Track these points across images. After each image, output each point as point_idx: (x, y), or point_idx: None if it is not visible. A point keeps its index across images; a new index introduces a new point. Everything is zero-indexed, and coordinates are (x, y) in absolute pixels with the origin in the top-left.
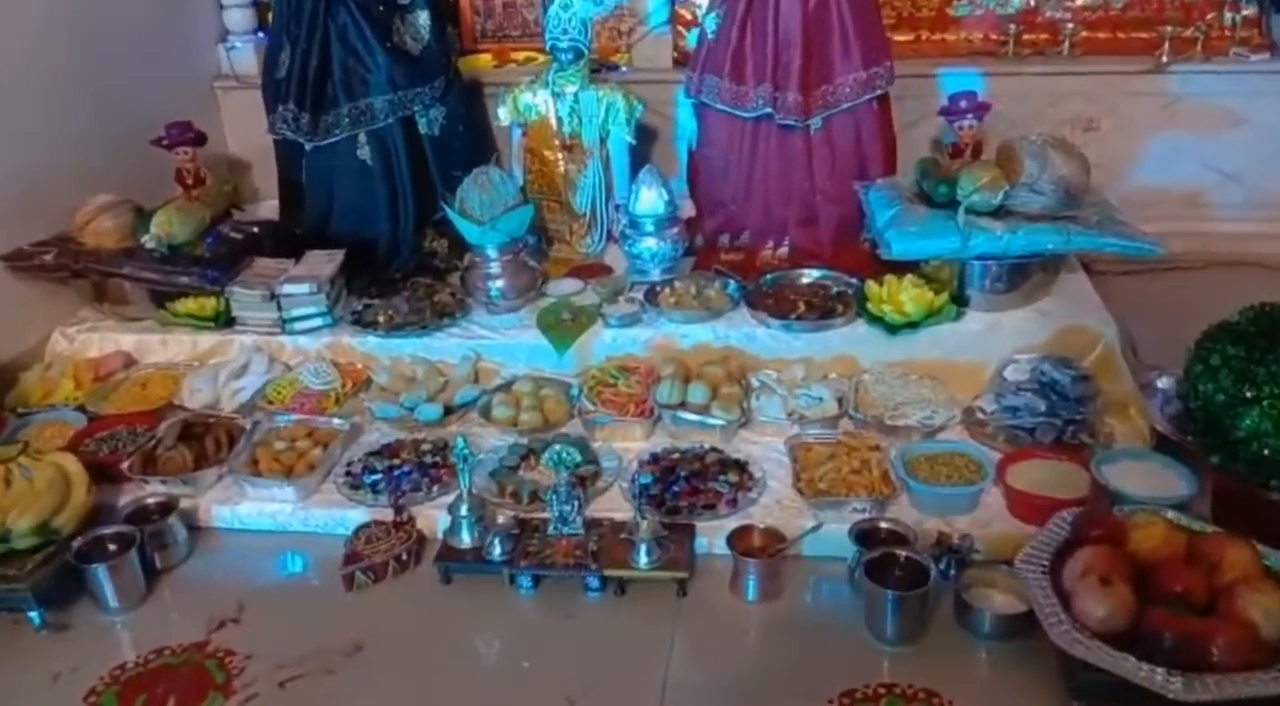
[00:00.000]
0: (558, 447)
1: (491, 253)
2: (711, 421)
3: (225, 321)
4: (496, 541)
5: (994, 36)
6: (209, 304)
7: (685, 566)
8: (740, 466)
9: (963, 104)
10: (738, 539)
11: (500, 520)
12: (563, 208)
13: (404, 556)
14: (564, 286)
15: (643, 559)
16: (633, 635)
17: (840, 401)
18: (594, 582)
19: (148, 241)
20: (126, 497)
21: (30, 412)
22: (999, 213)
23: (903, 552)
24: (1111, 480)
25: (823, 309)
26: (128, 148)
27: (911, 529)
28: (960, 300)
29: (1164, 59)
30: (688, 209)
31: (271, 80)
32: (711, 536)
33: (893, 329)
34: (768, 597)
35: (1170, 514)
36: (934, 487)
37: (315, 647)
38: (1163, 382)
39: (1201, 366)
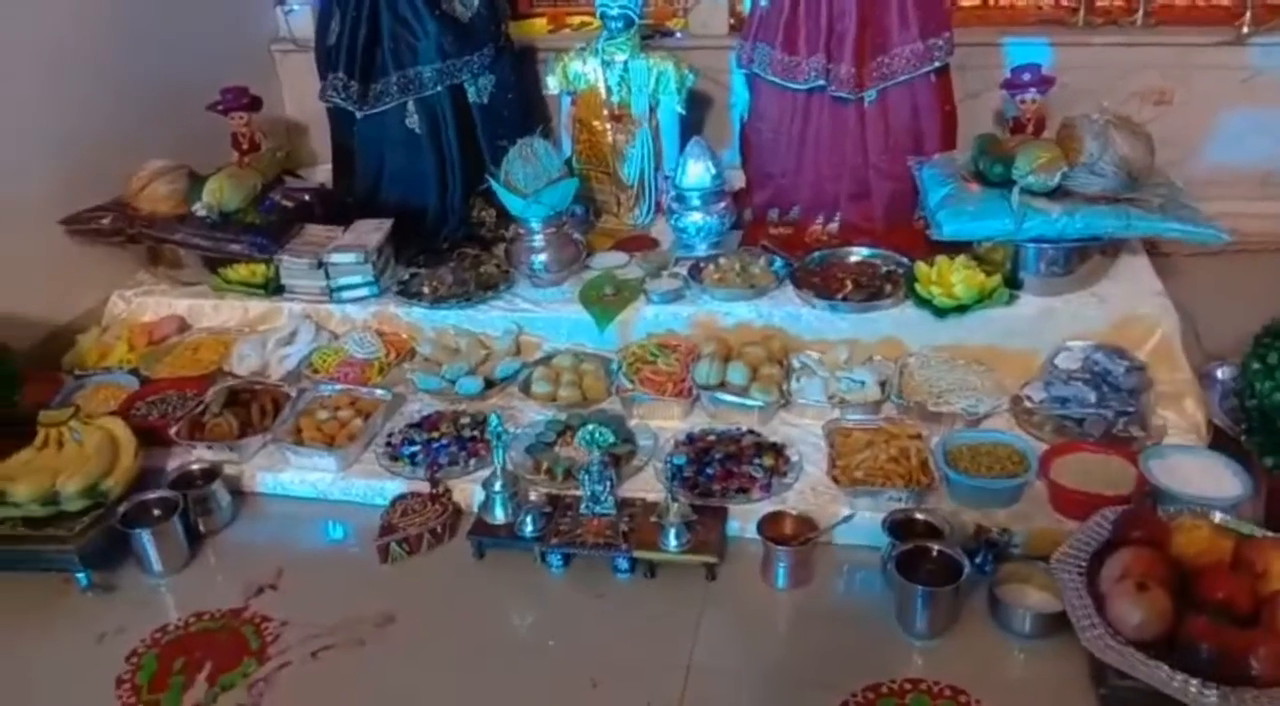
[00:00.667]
0: (591, 427)
1: (535, 225)
2: (749, 403)
3: (275, 288)
4: (529, 519)
5: (1065, 3)
6: (260, 271)
7: (715, 550)
8: (776, 450)
9: (1025, 77)
10: (769, 525)
11: (533, 497)
12: (610, 179)
13: (439, 529)
14: (608, 259)
15: (672, 541)
16: (660, 617)
17: (883, 386)
18: (623, 563)
19: (199, 209)
20: (174, 461)
21: (86, 374)
22: (1056, 193)
23: (936, 546)
24: (1160, 477)
25: (870, 289)
26: (184, 112)
27: (947, 521)
28: (1013, 283)
29: (1245, 29)
30: (737, 181)
31: (323, 47)
32: (744, 520)
33: (941, 312)
34: (798, 585)
35: (1219, 516)
36: (974, 480)
37: (348, 617)
38: (1223, 374)
39: (1259, 364)
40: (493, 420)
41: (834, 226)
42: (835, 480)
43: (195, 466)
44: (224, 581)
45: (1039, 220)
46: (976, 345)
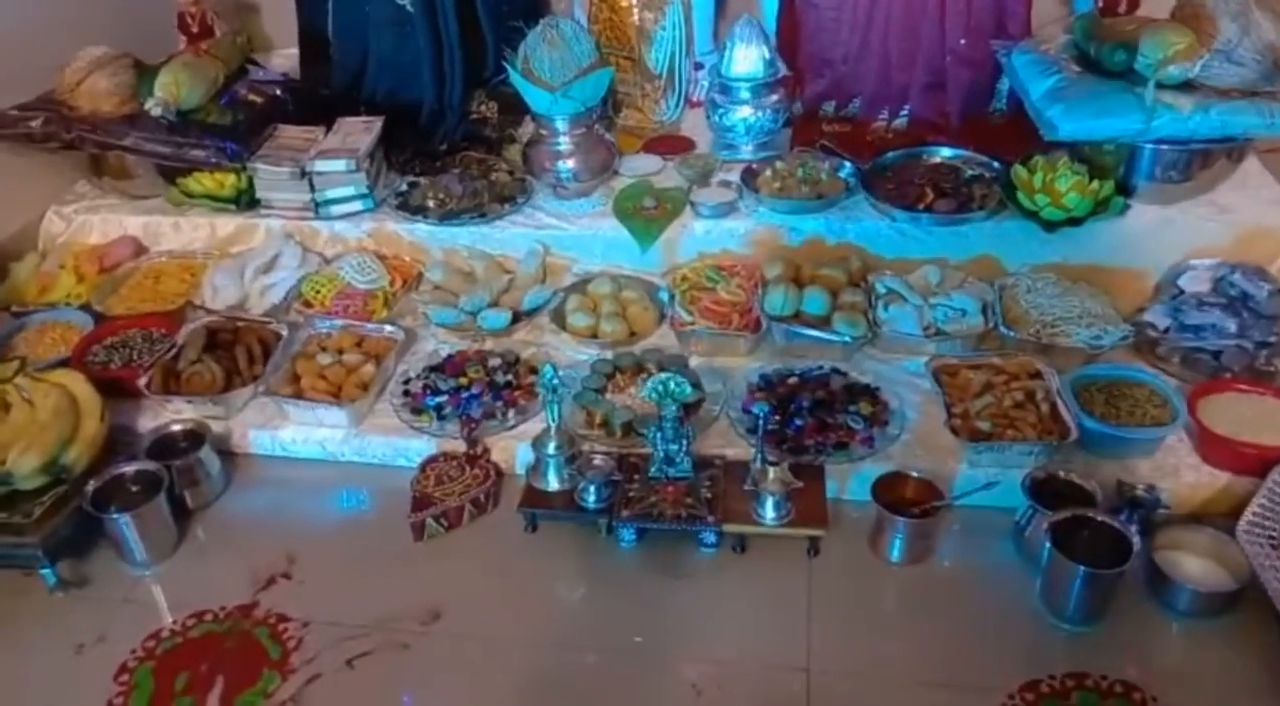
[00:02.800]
0: (665, 377)
1: (561, 125)
2: (833, 338)
3: (248, 202)
4: (591, 488)
5: None
6: (228, 181)
7: (821, 521)
8: (872, 394)
9: None
10: (885, 489)
11: (596, 461)
12: (635, 66)
13: (481, 498)
14: (640, 164)
15: (770, 512)
16: (761, 603)
17: (985, 313)
18: (710, 538)
19: (152, 107)
20: (144, 418)
21: (26, 312)
22: (1185, 86)
23: (1096, 515)
24: None
25: (958, 198)
26: None
27: (1095, 484)
28: (1125, 190)
29: None
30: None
31: None
32: (841, 479)
33: (1050, 225)
34: (917, 559)
35: None
36: (1119, 430)
37: (385, 613)
38: None
39: None
40: (546, 371)
41: (901, 122)
42: (954, 431)
43: (176, 427)
44: (224, 569)
45: (1169, 117)
46: (1082, 263)
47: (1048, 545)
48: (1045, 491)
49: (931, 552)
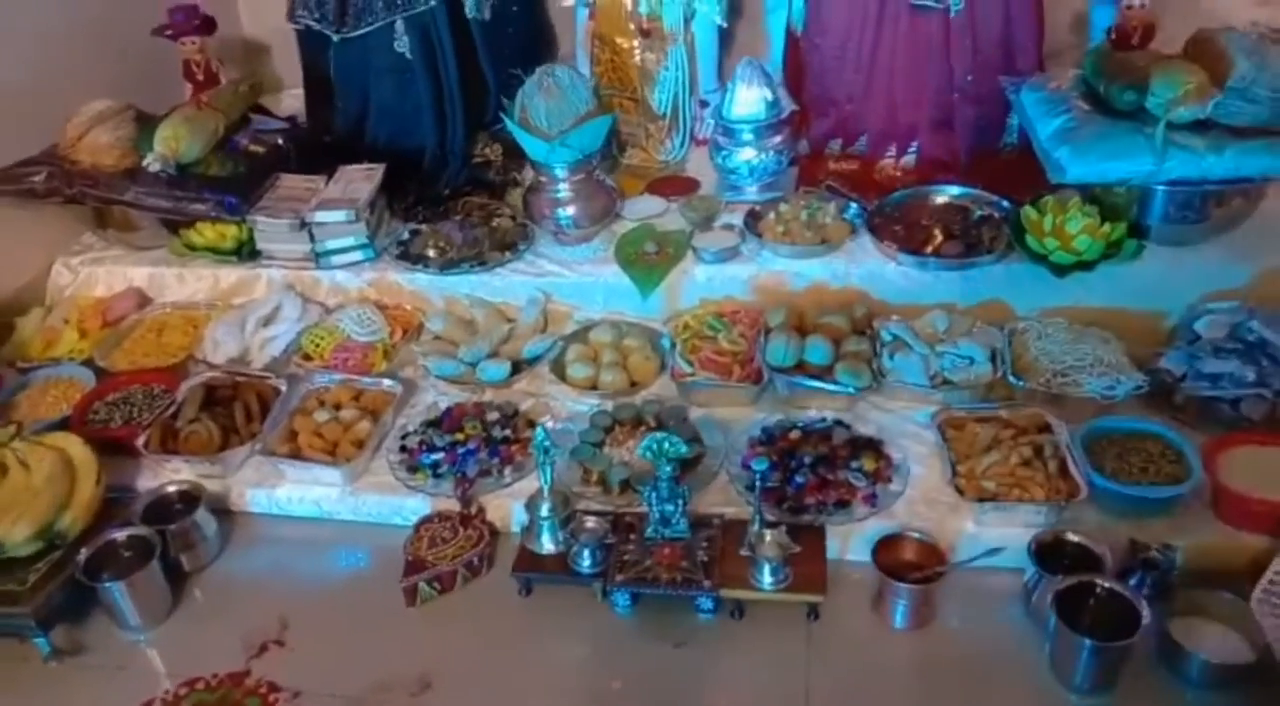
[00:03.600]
0: (659, 436)
1: (560, 172)
2: (836, 389)
3: (249, 254)
4: (585, 552)
5: None
6: (229, 233)
7: (820, 587)
8: (875, 447)
9: None
10: (884, 551)
11: (589, 524)
12: (638, 107)
13: (475, 561)
14: (643, 206)
15: (767, 578)
16: (759, 673)
17: (994, 361)
18: (707, 603)
19: (151, 163)
20: (142, 476)
21: (30, 368)
22: (1199, 125)
23: (1102, 582)
24: None
25: (966, 240)
26: (125, 39)
27: (1105, 546)
28: (1138, 231)
29: None
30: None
31: None
32: (843, 539)
33: (1060, 269)
34: (920, 625)
35: None
36: (1131, 488)
37: (375, 681)
38: None
39: None
40: (539, 434)
41: (908, 160)
42: (959, 490)
43: (171, 488)
44: (218, 635)
45: (1182, 158)
46: (1094, 307)
47: (1055, 615)
48: (1053, 554)
49: (935, 617)
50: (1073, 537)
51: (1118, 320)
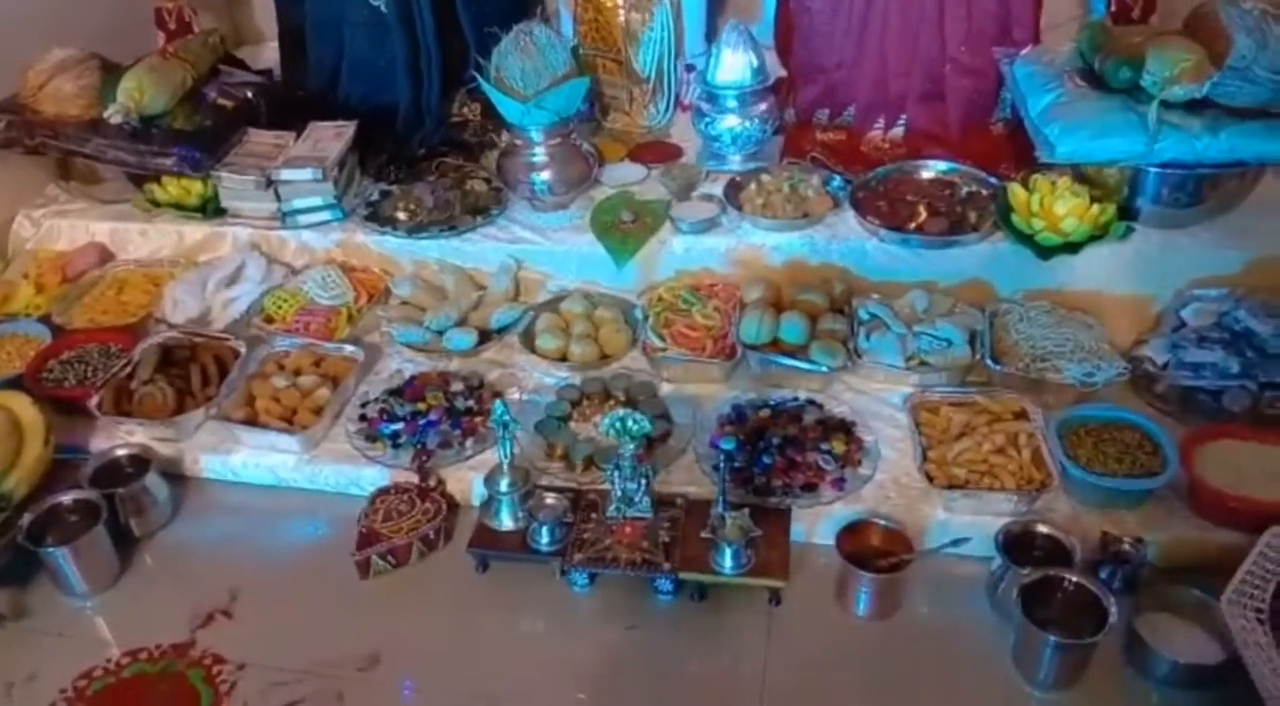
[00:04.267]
0: (622, 414)
1: (535, 136)
2: (810, 367)
3: (214, 210)
4: (544, 529)
5: None
6: (194, 189)
7: (782, 572)
8: (846, 429)
9: None
10: (849, 538)
11: (549, 501)
12: (621, 69)
13: (431, 535)
14: (623, 173)
15: (728, 562)
16: (714, 657)
17: (973, 343)
18: (666, 585)
19: (113, 114)
20: (99, 437)
21: None
22: (1195, 105)
23: (1070, 577)
24: None
25: (951, 217)
26: None
27: (1075, 539)
28: (1128, 213)
29: None
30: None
31: None
32: (809, 522)
33: (1046, 251)
34: (884, 614)
35: None
36: (1103, 479)
37: (322, 656)
38: None
39: None
40: (498, 408)
41: (897, 132)
42: (929, 476)
43: (121, 451)
44: (164, 603)
45: (1176, 139)
46: (1079, 289)
47: (1017, 609)
48: (1021, 545)
49: (899, 606)
50: (1043, 529)
51: (1105, 303)
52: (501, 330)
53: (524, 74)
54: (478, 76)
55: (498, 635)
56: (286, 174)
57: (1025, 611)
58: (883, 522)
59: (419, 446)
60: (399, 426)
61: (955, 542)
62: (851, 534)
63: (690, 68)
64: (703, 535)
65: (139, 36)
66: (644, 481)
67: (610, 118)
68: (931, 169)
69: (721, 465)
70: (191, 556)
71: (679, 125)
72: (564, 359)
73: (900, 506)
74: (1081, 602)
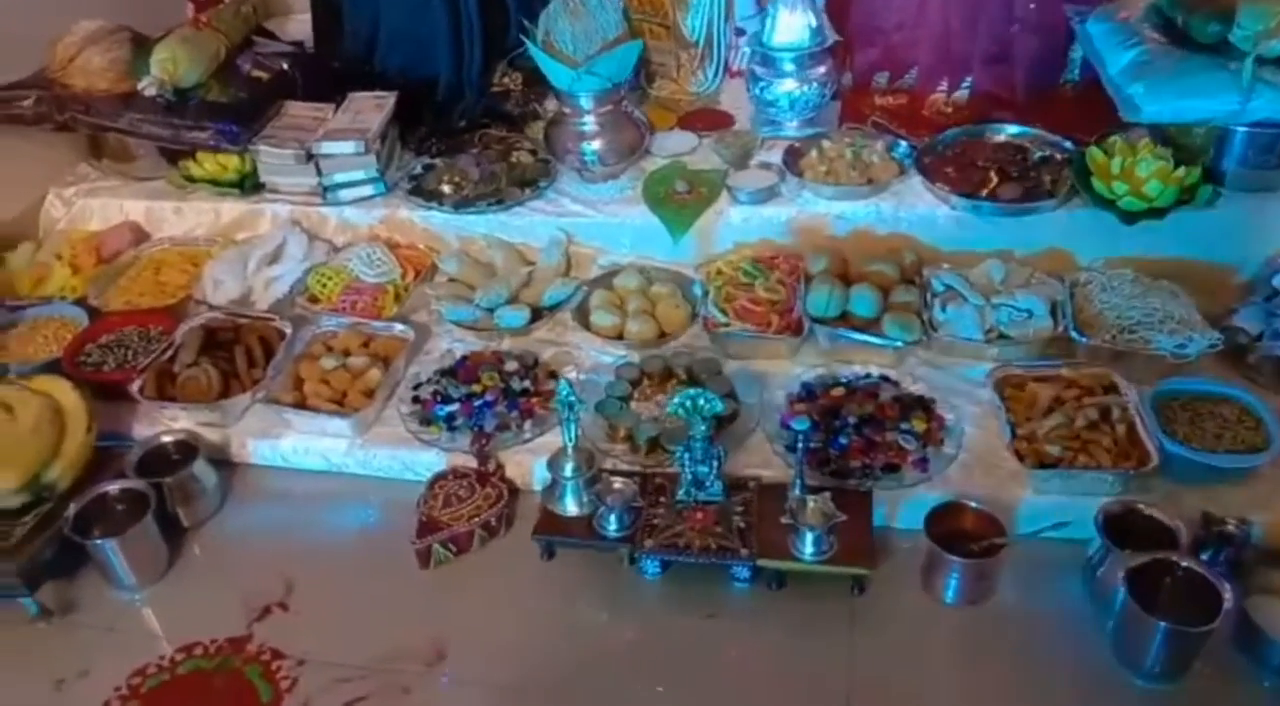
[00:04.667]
0: (693, 392)
1: (585, 103)
2: (884, 343)
3: (252, 186)
4: (612, 515)
5: None
6: (231, 164)
7: (867, 558)
8: (925, 407)
9: None
10: (938, 521)
11: (617, 485)
12: (669, 34)
13: (493, 522)
14: (673, 142)
15: (809, 548)
16: (797, 650)
17: (1054, 315)
18: (742, 573)
19: (147, 88)
20: (142, 423)
21: (20, 306)
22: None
23: (1181, 560)
24: None
25: (1024, 182)
26: None
27: (1179, 520)
28: (1213, 176)
29: None
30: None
31: None
32: (892, 504)
33: (1130, 216)
34: (973, 601)
35: None
36: (1205, 456)
37: (385, 650)
38: None
39: None
40: (563, 387)
41: (961, 95)
42: (1019, 455)
43: (167, 438)
44: (217, 595)
45: (1270, 97)
46: (1162, 257)
47: (1124, 595)
48: (1121, 526)
49: (991, 593)
50: (1145, 509)
51: (1189, 272)
52: (554, 307)
53: (574, 38)
54: (525, 40)
55: (567, 625)
56: (327, 147)
57: (1133, 596)
58: (974, 505)
59: (476, 429)
60: (454, 408)
61: (1056, 526)
62: (941, 517)
63: (740, 31)
64: (782, 520)
65: (167, 7)
66: (715, 464)
67: (657, 85)
68: (1001, 132)
69: (800, 446)
70: (243, 546)
71: (728, 91)
72: (620, 337)
73: (986, 487)
74: (1190, 588)
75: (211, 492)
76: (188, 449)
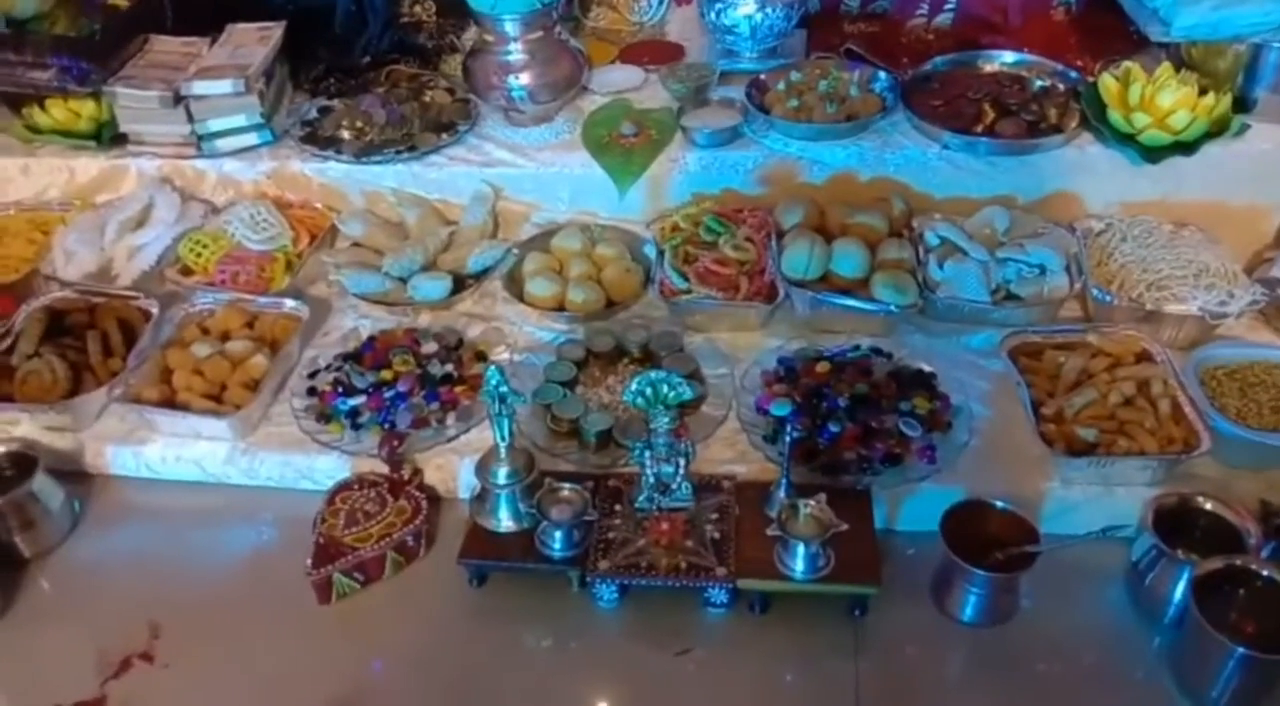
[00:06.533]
0: (655, 376)
1: (511, 28)
2: (876, 309)
3: (112, 137)
4: (558, 532)
5: None
6: (84, 110)
7: (872, 574)
8: (927, 383)
9: None
10: (956, 523)
11: (563, 493)
12: None
13: (409, 542)
14: (616, 77)
15: (800, 564)
16: (789, 684)
17: (1069, 271)
18: (720, 597)
19: None
20: None
21: None
22: None
23: (1257, 567)
24: None
25: (1028, 117)
26: None
27: (1247, 516)
28: (1243, 105)
29: None
30: None
31: None
32: (892, 503)
33: (1153, 152)
34: (998, 619)
35: None
36: (1264, 435)
37: None
38: None
39: None
40: (491, 375)
41: (944, 18)
42: (1047, 438)
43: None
44: (64, 646)
45: None
46: (1185, 199)
47: (1188, 609)
48: (1176, 523)
49: (1015, 609)
50: (1204, 503)
51: (1214, 215)
52: (480, 274)
53: None
54: None
55: (502, 667)
56: (200, 87)
57: (1203, 610)
58: (999, 504)
59: (387, 427)
60: (359, 401)
61: (1107, 531)
62: (959, 519)
63: None
64: (769, 532)
65: None
66: (683, 461)
67: (593, 14)
68: (994, 61)
69: (788, 439)
70: (98, 581)
71: (675, 21)
72: (561, 308)
73: (1004, 477)
74: (1264, 601)
75: (58, 514)
76: (25, 461)
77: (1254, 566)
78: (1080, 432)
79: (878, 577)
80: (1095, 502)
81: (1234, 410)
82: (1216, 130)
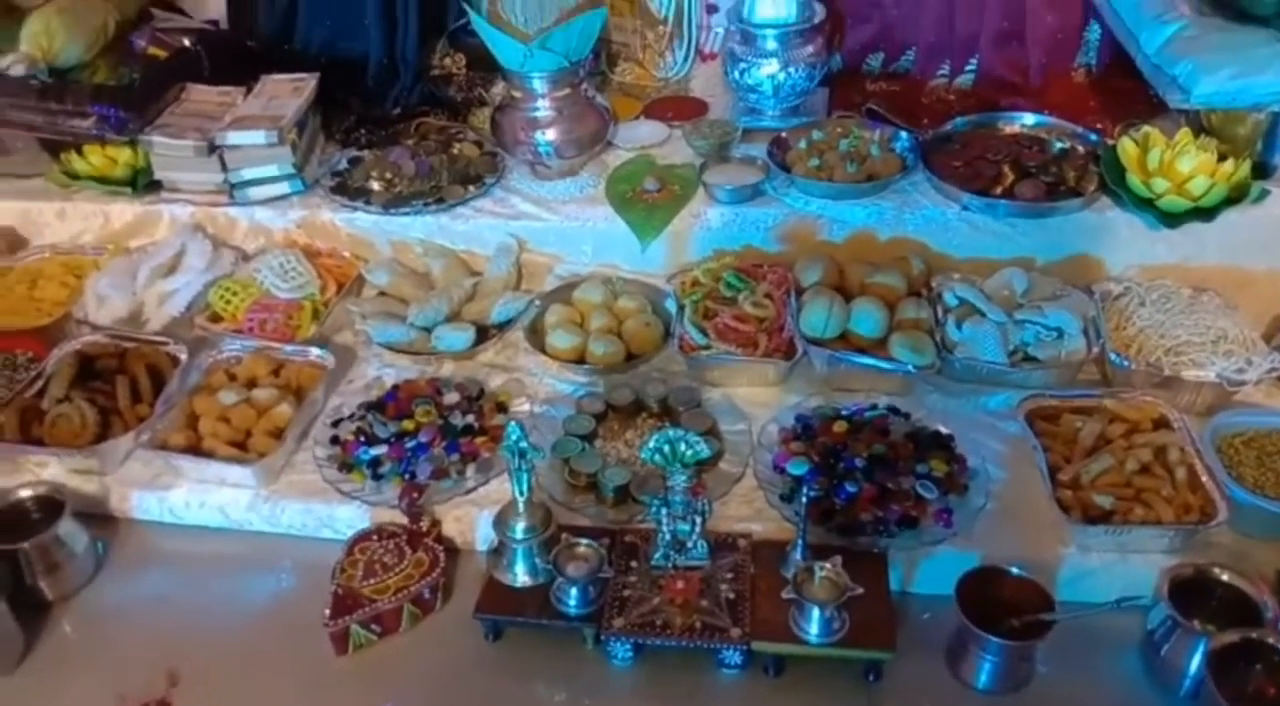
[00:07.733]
0: (674, 435)
1: (539, 86)
2: (894, 368)
3: (146, 185)
4: (574, 589)
5: None
6: (121, 157)
7: (888, 639)
8: (944, 445)
9: None
10: (969, 588)
11: (580, 549)
12: (633, 9)
13: (426, 594)
14: (641, 132)
15: (815, 628)
16: None
17: (1087, 334)
18: (734, 658)
19: (13, 65)
20: (3, 469)
21: None
22: None
23: (1276, 641)
24: None
25: (1048, 179)
26: None
27: (1265, 588)
28: (1262, 171)
29: None
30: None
31: None
32: (908, 565)
33: (1171, 217)
34: (1012, 687)
35: None
36: (1277, 504)
37: None
38: None
39: None
40: (511, 431)
41: (965, 80)
42: (1063, 506)
43: (26, 491)
44: (85, 691)
45: None
46: (1207, 264)
47: (1208, 683)
48: (1188, 592)
49: (1031, 676)
50: (1220, 574)
51: (1233, 281)
52: (502, 326)
53: (525, 8)
54: (469, 8)
55: None
56: (234, 137)
57: (1218, 685)
58: (1015, 571)
59: (407, 477)
60: (381, 451)
61: (1121, 602)
62: (975, 585)
63: (713, 8)
64: (784, 595)
65: None
66: (699, 519)
67: (619, 69)
68: (1014, 122)
69: (804, 500)
70: (119, 626)
71: (700, 77)
72: (581, 360)
73: (1018, 541)
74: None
75: (82, 558)
76: (52, 505)
77: (1271, 640)
78: (1097, 499)
79: (892, 643)
80: (1111, 569)
81: (1251, 479)
82: (1235, 196)
